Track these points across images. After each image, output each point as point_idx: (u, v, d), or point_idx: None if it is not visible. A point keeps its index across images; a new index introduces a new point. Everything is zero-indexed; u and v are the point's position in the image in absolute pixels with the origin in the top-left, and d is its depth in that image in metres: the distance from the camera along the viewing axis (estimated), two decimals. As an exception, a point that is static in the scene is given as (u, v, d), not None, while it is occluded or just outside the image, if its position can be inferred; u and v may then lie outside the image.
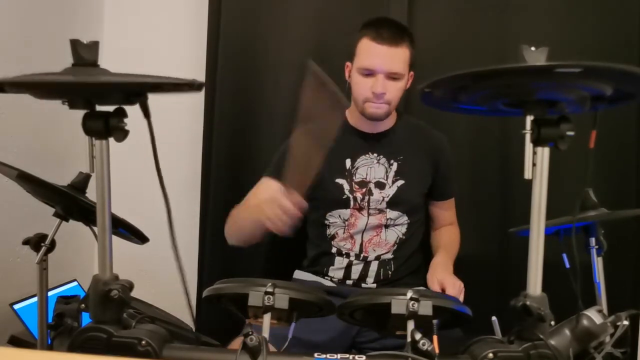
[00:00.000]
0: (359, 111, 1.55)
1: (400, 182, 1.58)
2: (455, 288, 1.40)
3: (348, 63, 1.58)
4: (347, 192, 1.58)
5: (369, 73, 1.49)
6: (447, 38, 1.87)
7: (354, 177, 1.58)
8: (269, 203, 1.20)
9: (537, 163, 0.86)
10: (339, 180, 1.58)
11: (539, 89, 0.84)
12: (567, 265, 1.01)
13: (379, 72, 1.48)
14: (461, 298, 1.39)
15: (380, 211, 1.58)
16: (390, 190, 1.58)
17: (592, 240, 1.24)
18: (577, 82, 0.82)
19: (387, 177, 1.59)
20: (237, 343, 1.28)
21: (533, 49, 0.81)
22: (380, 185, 1.58)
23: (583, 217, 1.21)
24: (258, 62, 1.94)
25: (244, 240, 1.51)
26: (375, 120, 1.56)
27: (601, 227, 1.26)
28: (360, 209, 1.58)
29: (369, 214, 1.58)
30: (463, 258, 1.67)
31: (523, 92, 0.85)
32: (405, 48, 1.50)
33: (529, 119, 0.86)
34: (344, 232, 1.59)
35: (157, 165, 0.90)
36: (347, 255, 1.59)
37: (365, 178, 1.58)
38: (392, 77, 1.49)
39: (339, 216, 1.59)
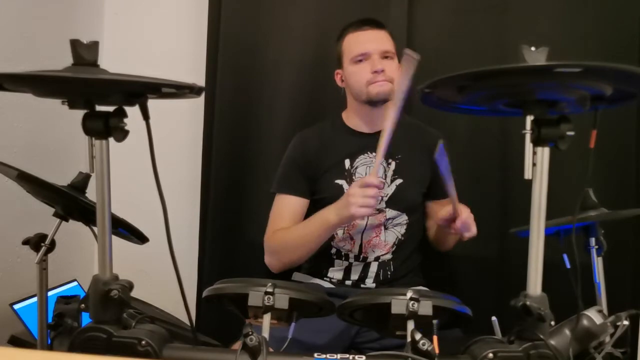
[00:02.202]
0: (364, 100, 1.55)
1: (399, 181, 1.59)
2: (468, 212, 1.39)
3: (338, 70, 1.62)
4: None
5: (362, 58, 1.53)
6: (447, 38, 1.87)
7: (353, 177, 1.58)
8: (358, 189, 1.34)
9: (537, 163, 0.86)
10: (339, 181, 1.58)
11: (539, 89, 0.84)
12: (568, 266, 1.01)
13: (373, 53, 1.52)
14: (473, 226, 1.39)
15: (380, 211, 1.58)
16: (389, 190, 1.58)
17: (592, 240, 1.24)
18: (577, 82, 0.82)
19: (385, 176, 1.59)
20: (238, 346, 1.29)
21: (533, 49, 0.81)
22: None
23: (583, 217, 1.21)
24: (258, 62, 1.94)
25: (298, 261, 1.60)
26: (383, 101, 1.54)
27: (601, 227, 1.26)
28: None
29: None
30: (463, 258, 1.67)
31: (523, 92, 0.85)
32: (387, 33, 1.58)
33: (529, 119, 0.86)
34: (343, 233, 1.59)
35: (155, 168, 0.91)
36: (347, 257, 1.59)
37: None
38: (386, 55, 1.53)
39: (339, 216, 1.59)
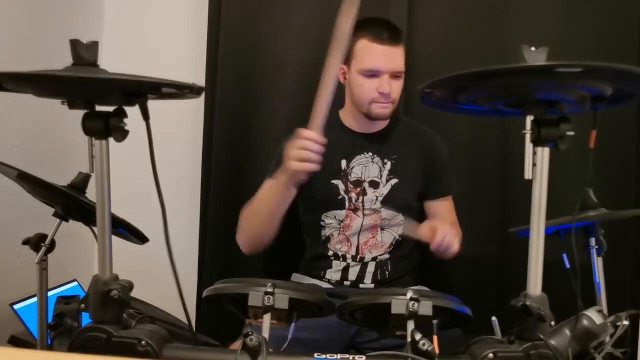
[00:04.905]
0: (363, 113, 1.54)
1: (394, 181, 1.58)
2: (449, 231, 1.36)
3: (342, 66, 1.57)
4: (342, 192, 1.58)
5: (373, 74, 1.49)
6: (447, 38, 1.87)
7: (349, 177, 1.58)
8: (291, 145, 1.28)
9: (537, 163, 0.86)
10: (334, 181, 1.58)
11: (539, 89, 0.84)
12: (567, 265, 1.01)
13: (384, 72, 1.48)
14: (455, 243, 1.37)
15: (375, 211, 1.57)
16: (384, 189, 1.58)
17: (592, 240, 1.24)
18: (577, 82, 0.82)
19: (380, 176, 1.59)
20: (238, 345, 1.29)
21: (533, 49, 0.81)
22: (374, 185, 1.58)
23: (583, 217, 1.21)
24: (258, 61, 1.94)
25: (260, 235, 1.52)
26: (381, 120, 1.56)
27: (601, 227, 1.26)
28: (355, 210, 1.57)
29: (363, 214, 1.57)
30: (463, 258, 1.66)
31: (523, 92, 0.85)
32: (402, 46, 1.52)
33: (529, 119, 0.86)
34: (339, 234, 1.59)
35: (154, 168, 0.91)
36: (344, 258, 1.59)
37: (360, 177, 1.58)
38: (395, 75, 1.50)
39: (334, 217, 1.59)
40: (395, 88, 1.50)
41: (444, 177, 1.67)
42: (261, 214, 1.48)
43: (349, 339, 1.50)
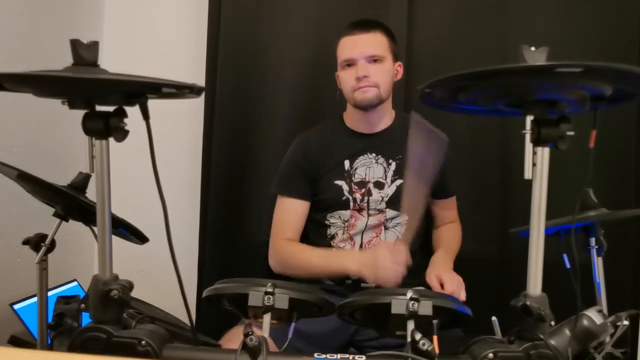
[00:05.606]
0: (353, 105, 1.57)
1: (400, 182, 1.59)
2: (453, 282, 1.41)
3: (337, 73, 1.62)
4: (346, 193, 1.58)
5: (349, 64, 1.53)
6: (447, 38, 1.87)
7: (353, 178, 1.58)
8: (390, 262, 1.37)
9: (537, 163, 0.86)
10: (338, 182, 1.58)
11: (539, 89, 0.84)
12: (568, 266, 1.01)
13: (358, 59, 1.52)
14: (462, 293, 1.40)
15: (380, 211, 1.58)
16: (389, 190, 1.58)
17: (592, 240, 1.24)
18: (577, 82, 0.82)
19: (385, 176, 1.59)
20: (230, 336, 1.30)
21: (533, 49, 0.81)
22: (379, 185, 1.58)
23: (583, 217, 1.21)
24: (258, 62, 1.94)
25: (302, 276, 1.59)
26: (368, 108, 1.55)
27: (601, 227, 1.26)
28: (359, 210, 1.58)
29: (368, 215, 1.58)
30: (463, 258, 1.67)
31: (523, 92, 0.85)
32: (378, 33, 1.55)
33: (529, 119, 0.86)
34: (343, 233, 1.59)
35: (155, 168, 0.90)
36: None
37: (364, 178, 1.58)
38: (373, 59, 1.52)
39: (339, 217, 1.59)
40: (374, 72, 1.52)
41: (447, 178, 1.68)
42: (310, 273, 1.55)
43: (349, 336, 1.50)
